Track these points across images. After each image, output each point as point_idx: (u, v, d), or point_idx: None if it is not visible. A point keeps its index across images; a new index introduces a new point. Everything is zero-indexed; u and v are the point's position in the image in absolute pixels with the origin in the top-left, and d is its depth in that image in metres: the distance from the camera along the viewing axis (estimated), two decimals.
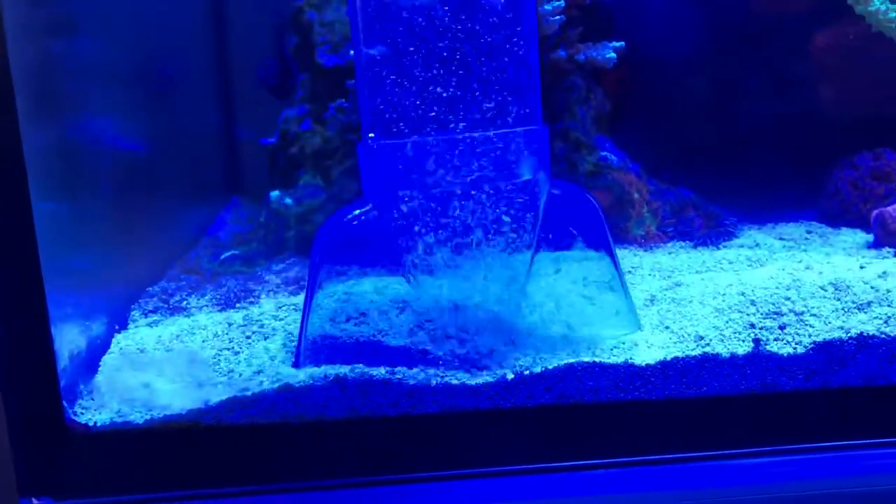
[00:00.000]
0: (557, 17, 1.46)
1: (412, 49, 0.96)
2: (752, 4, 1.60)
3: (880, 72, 1.54)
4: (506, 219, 1.01)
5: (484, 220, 1.01)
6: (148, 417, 0.93)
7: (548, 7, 1.44)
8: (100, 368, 1.02)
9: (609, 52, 1.51)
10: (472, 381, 0.95)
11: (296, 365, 1.00)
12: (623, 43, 1.54)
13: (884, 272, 1.11)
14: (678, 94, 1.65)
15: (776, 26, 1.61)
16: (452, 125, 0.98)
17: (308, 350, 1.00)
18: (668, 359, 0.98)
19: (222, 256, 1.45)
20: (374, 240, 1.03)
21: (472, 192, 0.99)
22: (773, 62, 1.62)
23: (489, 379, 0.96)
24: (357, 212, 1.03)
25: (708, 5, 1.62)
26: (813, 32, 1.58)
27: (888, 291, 1.06)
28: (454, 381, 0.95)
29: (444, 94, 0.97)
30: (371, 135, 1.01)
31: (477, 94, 0.97)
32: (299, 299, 1.20)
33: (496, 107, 0.98)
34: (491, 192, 1.00)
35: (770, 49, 1.62)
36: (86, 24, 1.12)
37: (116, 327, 1.14)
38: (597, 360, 0.98)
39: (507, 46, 0.98)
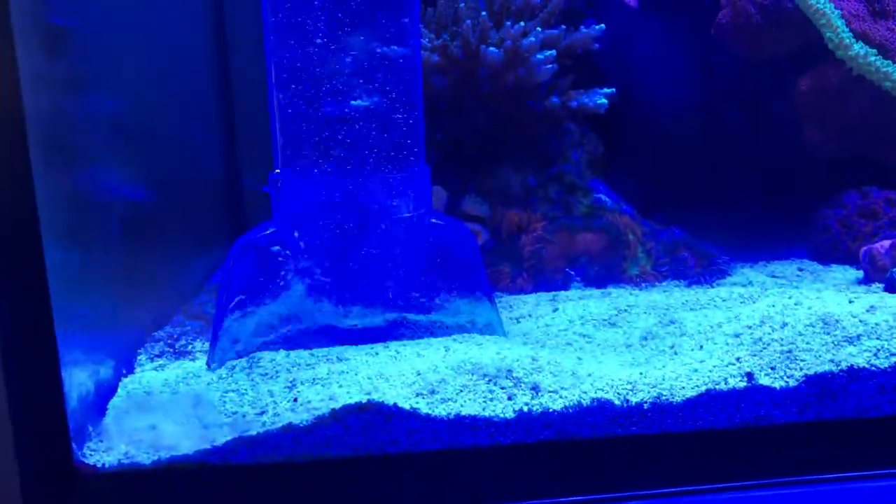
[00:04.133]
0: (550, 65, 1.51)
1: (311, 100, 1.17)
2: (738, 50, 1.65)
3: (862, 112, 1.59)
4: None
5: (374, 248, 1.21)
6: (155, 458, 0.95)
7: (540, 56, 1.49)
8: (107, 411, 1.04)
9: (600, 98, 1.56)
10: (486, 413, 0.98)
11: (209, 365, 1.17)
12: (614, 89, 1.59)
13: (871, 306, 1.13)
14: (670, 138, 1.70)
15: (761, 71, 1.66)
16: (348, 166, 1.18)
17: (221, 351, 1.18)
18: (664, 394, 1.01)
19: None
20: (280, 251, 1.23)
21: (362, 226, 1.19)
22: (760, 105, 1.67)
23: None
24: (269, 231, 1.24)
25: (695, 52, 1.67)
26: (797, 76, 1.63)
27: (876, 325, 1.09)
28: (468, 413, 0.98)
29: (341, 141, 1.18)
30: (277, 170, 1.22)
31: (369, 143, 1.18)
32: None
33: (385, 155, 1.19)
34: (379, 226, 1.20)
35: (756, 92, 1.67)
36: (95, 78, 1.17)
37: (123, 371, 1.16)
38: (604, 396, 1.00)
39: (396, 108, 1.19)
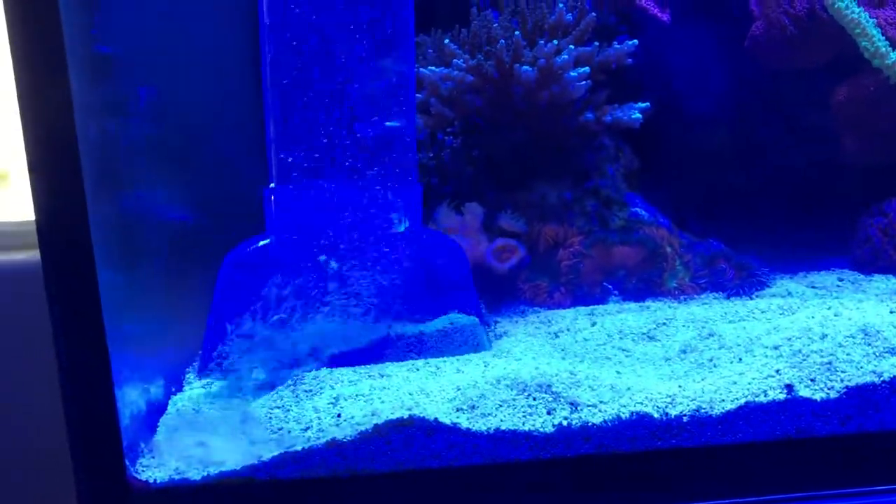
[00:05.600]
0: (583, 82, 1.53)
1: (312, 116, 1.22)
2: (772, 61, 1.65)
3: None
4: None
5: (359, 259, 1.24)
6: (205, 474, 0.98)
7: (573, 73, 1.51)
8: (158, 428, 1.07)
9: (635, 112, 1.57)
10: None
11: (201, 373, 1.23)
12: (648, 104, 1.60)
13: None
14: (705, 150, 1.70)
15: (795, 81, 1.66)
16: (342, 181, 1.24)
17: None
18: (704, 407, 1.01)
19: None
20: (272, 263, 1.27)
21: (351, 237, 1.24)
22: (797, 115, 1.67)
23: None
24: (261, 243, 1.29)
25: (729, 64, 1.68)
26: (832, 86, 1.62)
27: None
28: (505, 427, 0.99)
29: (336, 155, 1.22)
30: (272, 184, 1.26)
31: (360, 155, 1.22)
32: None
33: (377, 167, 1.23)
34: (365, 237, 1.24)
35: (791, 103, 1.67)
36: (140, 102, 1.20)
37: (173, 389, 1.20)
38: (643, 409, 1.01)
39: (390, 121, 1.23)
